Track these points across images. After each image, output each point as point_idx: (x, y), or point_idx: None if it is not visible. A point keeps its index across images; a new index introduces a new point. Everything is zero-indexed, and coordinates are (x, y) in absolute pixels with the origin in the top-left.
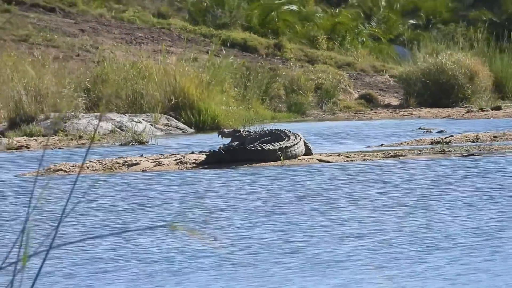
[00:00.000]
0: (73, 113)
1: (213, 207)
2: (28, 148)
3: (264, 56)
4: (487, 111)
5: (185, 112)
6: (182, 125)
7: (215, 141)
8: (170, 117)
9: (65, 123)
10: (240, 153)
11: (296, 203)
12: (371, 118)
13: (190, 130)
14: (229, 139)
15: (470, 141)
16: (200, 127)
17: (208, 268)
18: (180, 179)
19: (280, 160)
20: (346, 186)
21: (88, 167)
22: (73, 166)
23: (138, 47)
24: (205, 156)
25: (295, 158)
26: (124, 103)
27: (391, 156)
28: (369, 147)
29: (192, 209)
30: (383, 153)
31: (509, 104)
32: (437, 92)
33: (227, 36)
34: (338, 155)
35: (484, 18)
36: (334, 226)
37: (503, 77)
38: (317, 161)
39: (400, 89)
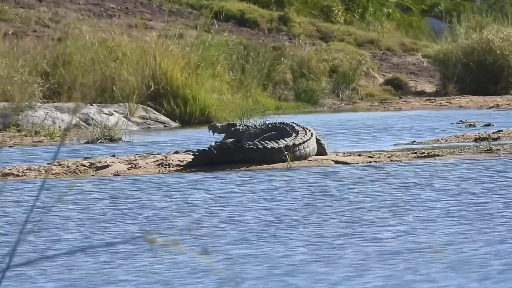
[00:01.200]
0: (27, 103)
1: (207, 220)
2: None
3: (266, 31)
4: None
5: (168, 101)
6: (163, 118)
7: (205, 138)
8: (149, 108)
9: (17, 115)
10: (236, 152)
11: (318, 214)
12: (399, 109)
13: (174, 124)
14: (222, 135)
15: None
16: (186, 120)
17: None
18: (161, 185)
19: (286, 161)
20: (375, 193)
21: (46, 171)
22: (27, 169)
23: (109, 21)
24: (192, 157)
25: (305, 159)
26: (91, 91)
27: (425, 156)
28: (397, 144)
29: (183, 223)
30: (415, 152)
31: None
32: (482, 76)
33: (220, 7)
34: (359, 155)
35: None
36: (382, 242)
37: None
38: (332, 162)
39: (436, 72)
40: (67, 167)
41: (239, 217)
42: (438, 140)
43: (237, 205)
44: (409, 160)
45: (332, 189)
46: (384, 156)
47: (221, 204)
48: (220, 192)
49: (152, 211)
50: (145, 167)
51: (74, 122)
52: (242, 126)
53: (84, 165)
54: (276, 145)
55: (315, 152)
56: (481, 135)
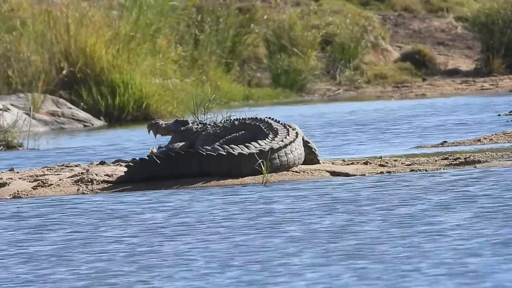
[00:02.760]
0: None
1: (150, 268)
2: None
3: None
4: None
5: (88, 90)
6: (82, 114)
7: (143, 141)
8: (62, 100)
9: None
10: (188, 161)
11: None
12: (423, 95)
13: (98, 123)
14: (168, 138)
15: None
16: (116, 117)
17: None
18: (81, 212)
19: (261, 173)
20: (396, 225)
21: None
22: None
23: None
24: (125, 169)
25: (287, 169)
26: None
27: (462, 163)
28: (420, 147)
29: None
30: (447, 158)
31: None
32: None
33: None
34: (365, 163)
35: None
36: None
37: None
38: (327, 173)
39: (475, 41)
40: None
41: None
42: (479, 140)
43: (194, 245)
44: (437, 169)
45: (331, 217)
46: (402, 164)
47: (178, 244)
48: (168, 222)
49: (73, 257)
50: (58, 185)
51: None
52: (197, 124)
53: None
54: (245, 151)
55: (302, 159)
56: None
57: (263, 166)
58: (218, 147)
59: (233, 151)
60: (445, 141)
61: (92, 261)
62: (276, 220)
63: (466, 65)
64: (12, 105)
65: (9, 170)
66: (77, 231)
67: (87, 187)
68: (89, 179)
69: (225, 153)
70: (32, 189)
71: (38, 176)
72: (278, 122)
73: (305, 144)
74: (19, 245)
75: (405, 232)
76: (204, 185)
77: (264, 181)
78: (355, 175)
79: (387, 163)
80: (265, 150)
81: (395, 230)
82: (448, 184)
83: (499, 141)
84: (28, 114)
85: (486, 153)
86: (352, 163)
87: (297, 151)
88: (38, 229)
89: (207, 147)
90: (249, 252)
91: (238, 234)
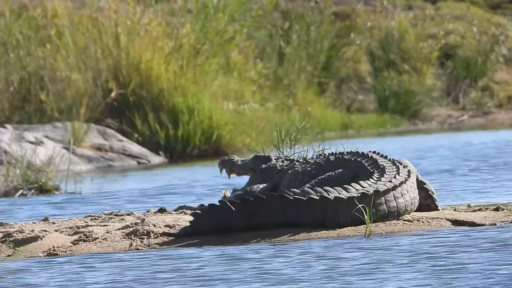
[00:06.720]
0: None
1: None
2: None
3: None
4: None
5: (143, 117)
6: (136, 148)
7: (214, 183)
8: (110, 130)
9: None
10: (270, 208)
11: None
12: None
13: (156, 159)
14: (246, 178)
15: None
16: (179, 152)
17: None
18: (135, 274)
19: (363, 222)
20: None
21: None
22: None
23: None
24: (191, 218)
25: (397, 218)
26: (3, 101)
27: None
28: None
29: None
30: None
31: None
32: None
33: None
34: (496, 209)
35: None
36: None
37: None
38: (448, 222)
39: None
40: None
41: None
42: None
43: None
44: None
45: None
46: None
47: None
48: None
49: None
50: (106, 239)
51: None
52: (281, 161)
53: None
54: (344, 194)
55: (416, 205)
56: None
57: (366, 214)
58: (309, 190)
59: (329, 194)
60: None
61: None
62: None
63: None
64: (46, 137)
65: (43, 220)
66: None
67: (142, 242)
68: (145, 231)
69: (317, 197)
70: (71, 245)
71: (79, 227)
72: (385, 157)
73: (420, 185)
74: None
75: None
76: (292, 238)
77: (367, 233)
78: (483, 224)
79: None
80: (369, 192)
81: None
82: None
83: None
84: (67, 149)
85: None
86: (479, 210)
87: (409, 195)
88: None
89: (295, 190)
90: None
91: None
